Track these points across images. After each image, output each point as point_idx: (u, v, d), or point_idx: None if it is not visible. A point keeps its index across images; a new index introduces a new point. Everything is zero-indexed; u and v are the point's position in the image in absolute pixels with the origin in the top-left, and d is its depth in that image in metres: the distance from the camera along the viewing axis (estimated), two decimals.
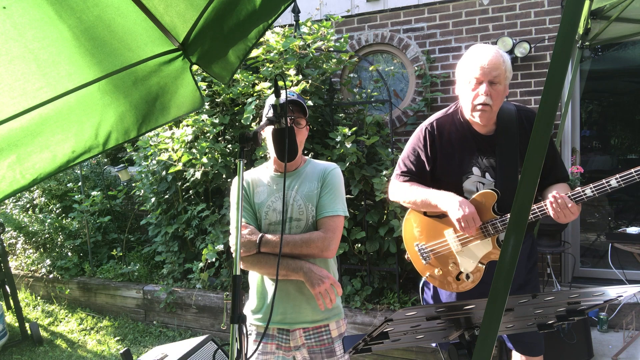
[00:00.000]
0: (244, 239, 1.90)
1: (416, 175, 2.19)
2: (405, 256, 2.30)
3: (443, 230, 2.15)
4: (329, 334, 2.00)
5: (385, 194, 3.73)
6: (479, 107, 2.02)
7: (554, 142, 2.15)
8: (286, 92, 1.68)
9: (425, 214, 2.20)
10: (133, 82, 1.55)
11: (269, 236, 1.91)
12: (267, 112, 1.93)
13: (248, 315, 2.04)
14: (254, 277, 2.05)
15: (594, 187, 1.90)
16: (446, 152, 2.14)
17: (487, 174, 2.11)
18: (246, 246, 1.90)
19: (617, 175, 1.86)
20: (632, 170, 1.83)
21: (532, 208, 1.97)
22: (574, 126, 4.41)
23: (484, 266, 2.10)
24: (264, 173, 2.07)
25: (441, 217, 2.15)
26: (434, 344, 2.34)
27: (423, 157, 2.17)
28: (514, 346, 2.25)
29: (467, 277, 2.13)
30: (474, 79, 2.02)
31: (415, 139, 2.21)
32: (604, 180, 1.89)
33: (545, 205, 1.95)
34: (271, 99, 1.94)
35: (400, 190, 2.21)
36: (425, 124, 2.20)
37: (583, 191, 1.91)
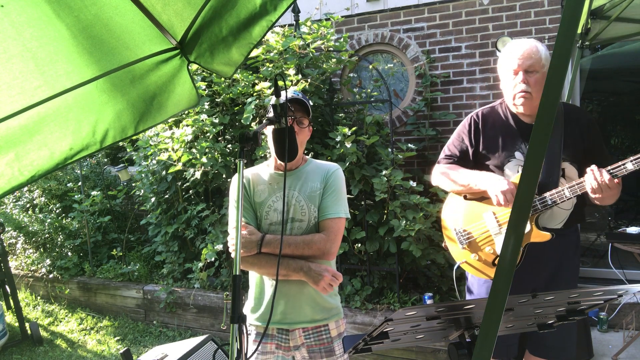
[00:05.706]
0: (244, 239, 1.89)
1: (459, 159, 2.26)
2: (443, 244, 2.30)
3: (482, 212, 2.17)
4: (328, 333, 2.00)
5: (385, 193, 3.73)
6: (519, 94, 2.07)
7: (598, 130, 2.17)
8: (286, 91, 1.67)
9: (465, 197, 2.24)
10: (130, 81, 1.55)
11: (270, 236, 1.90)
12: (269, 112, 1.92)
13: (247, 315, 2.03)
14: (253, 277, 2.05)
15: (635, 159, 1.79)
16: (490, 137, 2.20)
17: None
18: (247, 246, 1.89)
19: None
20: None
21: (572, 184, 1.95)
22: None
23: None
24: (264, 171, 2.06)
25: (480, 199, 2.18)
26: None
27: (467, 142, 2.24)
28: (531, 349, 2.17)
29: None
30: (511, 70, 2.09)
31: (462, 126, 2.30)
32: None
33: (583, 180, 1.91)
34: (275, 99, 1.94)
35: (443, 173, 2.27)
36: (472, 113, 2.29)
37: (623, 164, 1.82)
